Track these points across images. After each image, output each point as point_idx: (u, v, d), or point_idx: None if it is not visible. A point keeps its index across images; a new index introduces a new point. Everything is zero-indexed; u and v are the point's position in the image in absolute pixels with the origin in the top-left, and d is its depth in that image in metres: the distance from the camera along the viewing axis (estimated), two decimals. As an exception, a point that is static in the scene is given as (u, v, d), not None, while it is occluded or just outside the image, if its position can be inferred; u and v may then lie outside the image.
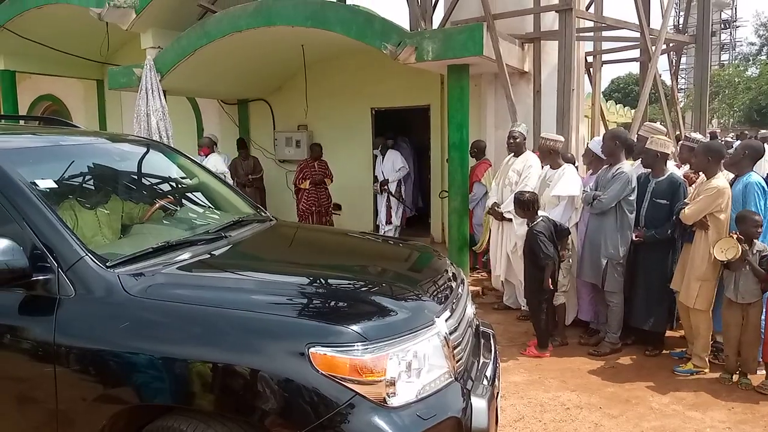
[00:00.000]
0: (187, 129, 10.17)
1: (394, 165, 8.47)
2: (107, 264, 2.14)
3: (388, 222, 8.50)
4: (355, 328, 1.96)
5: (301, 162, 8.71)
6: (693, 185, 4.63)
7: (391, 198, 8.52)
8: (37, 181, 2.34)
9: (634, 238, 4.63)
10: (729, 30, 47.86)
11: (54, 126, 3.68)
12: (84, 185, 2.91)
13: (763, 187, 4.25)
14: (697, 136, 5.20)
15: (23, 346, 2.08)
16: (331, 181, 8.63)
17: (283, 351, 1.91)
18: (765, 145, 5.19)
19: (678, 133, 8.57)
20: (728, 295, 4.12)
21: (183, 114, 10.11)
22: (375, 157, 8.93)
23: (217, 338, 1.94)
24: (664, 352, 4.73)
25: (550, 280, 4.59)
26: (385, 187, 8.53)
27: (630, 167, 4.78)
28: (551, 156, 5.25)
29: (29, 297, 2.10)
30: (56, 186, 2.56)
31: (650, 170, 4.70)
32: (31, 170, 2.39)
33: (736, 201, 4.25)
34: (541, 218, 4.69)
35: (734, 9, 48.04)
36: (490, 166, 6.93)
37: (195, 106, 10.52)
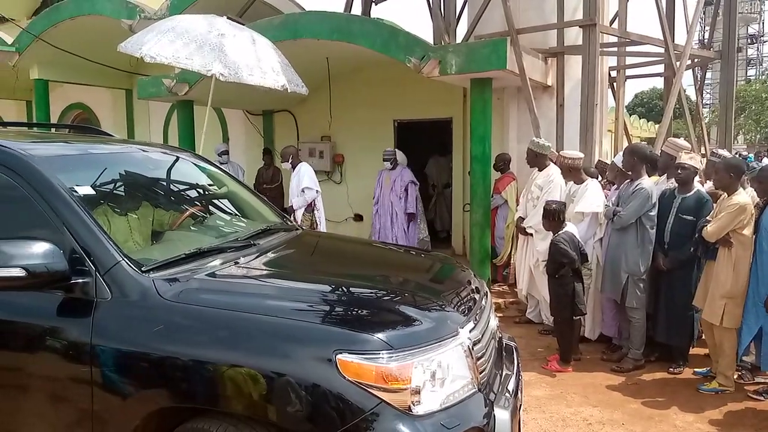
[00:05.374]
0: (213, 139, 10.34)
1: (299, 183, 6.80)
2: (143, 269, 2.20)
3: None
4: (380, 336, 1.99)
5: None
6: (717, 201, 4.60)
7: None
8: (76, 187, 2.41)
9: (661, 263, 4.62)
10: (756, 45, 47.30)
11: (89, 134, 3.79)
12: (118, 192, 2.98)
13: None
14: (724, 152, 5.15)
15: (61, 346, 2.14)
16: None
17: (310, 357, 1.95)
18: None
19: (703, 149, 8.50)
20: None
21: (209, 124, 10.26)
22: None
23: (247, 343, 1.99)
24: (688, 369, 4.69)
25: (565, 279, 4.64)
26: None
27: (650, 183, 4.77)
28: (572, 173, 5.27)
29: (68, 299, 2.17)
30: (93, 192, 2.63)
31: (677, 185, 4.68)
32: (70, 176, 2.45)
33: None
34: (564, 232, 4.69)
35: (761, 24, 47.52)
36: (514, 179, 6.94)
37: (221, 117, 10.70)
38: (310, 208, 6.86)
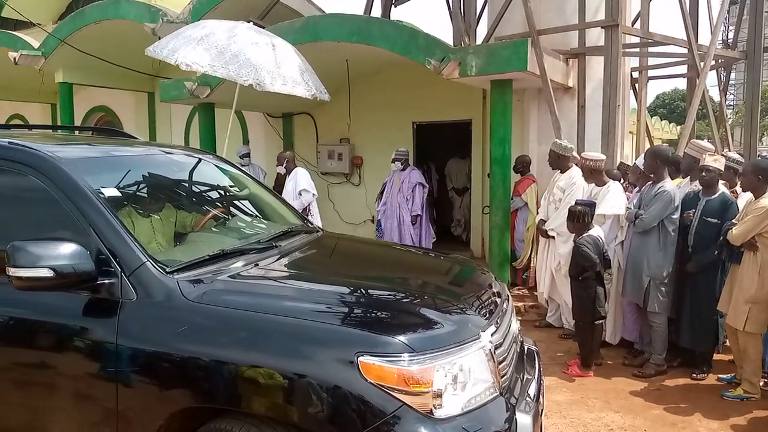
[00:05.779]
0: (233, 141, 10.42)
1: (296, 187, 6.71)
2: (167, 270, 2.23)
3: None
4: (402, 338, 1.99)
5: None
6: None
7: None
8: (102, 189, 2.44)
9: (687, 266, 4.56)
10: (782, 45, 46.20)
11: (113, 137, 3.84)
12: (141, 193, 3.01)
13: None
14: (734, 155, 5.10)
15: (87, 346, 2.18)
16: None
17: (332, 359, 1.96)
18: None
19: (726, 151, 8.36)
20: None
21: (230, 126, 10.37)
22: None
23: (269, 344, 2.00)
24: (712, 375, 4.61)
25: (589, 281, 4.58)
26: None
27: (673, 185, 4.71)
28: (594, 175, 5.21)
29: (93, 299, 2.21)
30: (118, 194, 2.66)
31: (701, 188, 4.61)
32: (96, 178, 2.48)
33: None
34: (589, 235, 4.64)
35: (787, 23, 46.43)
36: (534, 181, 6.90)
37: (241, 119, 10.79)
38: (305, 212, 6.57)
